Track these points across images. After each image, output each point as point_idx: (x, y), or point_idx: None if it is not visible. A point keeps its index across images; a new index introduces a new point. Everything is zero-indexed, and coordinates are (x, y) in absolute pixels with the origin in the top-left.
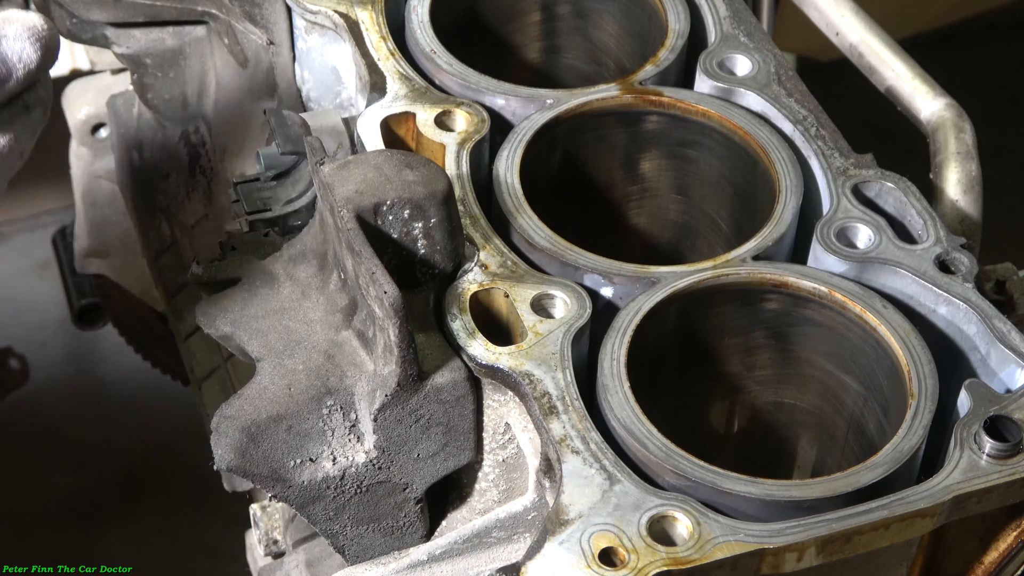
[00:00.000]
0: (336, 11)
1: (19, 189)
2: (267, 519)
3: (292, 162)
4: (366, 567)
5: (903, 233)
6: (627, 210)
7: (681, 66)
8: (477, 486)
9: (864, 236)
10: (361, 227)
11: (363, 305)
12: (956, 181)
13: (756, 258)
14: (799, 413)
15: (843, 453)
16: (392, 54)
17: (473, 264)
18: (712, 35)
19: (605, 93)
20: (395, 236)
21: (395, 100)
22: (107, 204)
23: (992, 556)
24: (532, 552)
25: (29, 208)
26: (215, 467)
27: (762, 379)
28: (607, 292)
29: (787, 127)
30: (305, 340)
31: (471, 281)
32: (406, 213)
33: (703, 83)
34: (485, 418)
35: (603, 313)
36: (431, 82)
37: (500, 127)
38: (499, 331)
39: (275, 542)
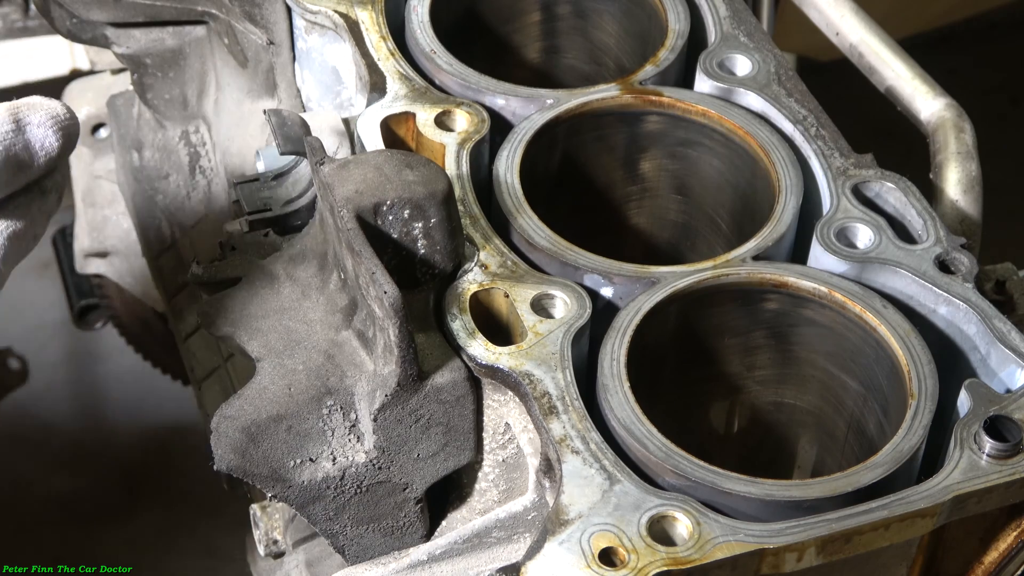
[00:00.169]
0: (336, 11)
1: None
2: (267, 519)
3: (292, 162)
4: (366, 567)
5: (903, 233)
6: (627, 210)
7: (681, 66)
8: (477, 486)
9: (864, 236)
10: (361, 227)
11: (363, 305)
12: (956, 181)
13: (756, 258)
14: (799, 413)
15: (843, 453)
16: (392, 54)
17: (473, 264)
18: (712, 35)
19: (605, 93)
20: (395, 236)
21: (395, 100)
22: (107, 204)
23: (992, 556)
24: (532, 552)
25: None
26: (215, 467)
27: (762, 379)
28: (607, 292)
29: (787, 127)
30: (305, 340)
31: (471, 281)
32: (406, 213)
33: (703, 83)
34: (485, 418)
35: (603, 313)
36: (431, 82)
37: (500, 127)
38: (499, 331)
39: (275, 542)
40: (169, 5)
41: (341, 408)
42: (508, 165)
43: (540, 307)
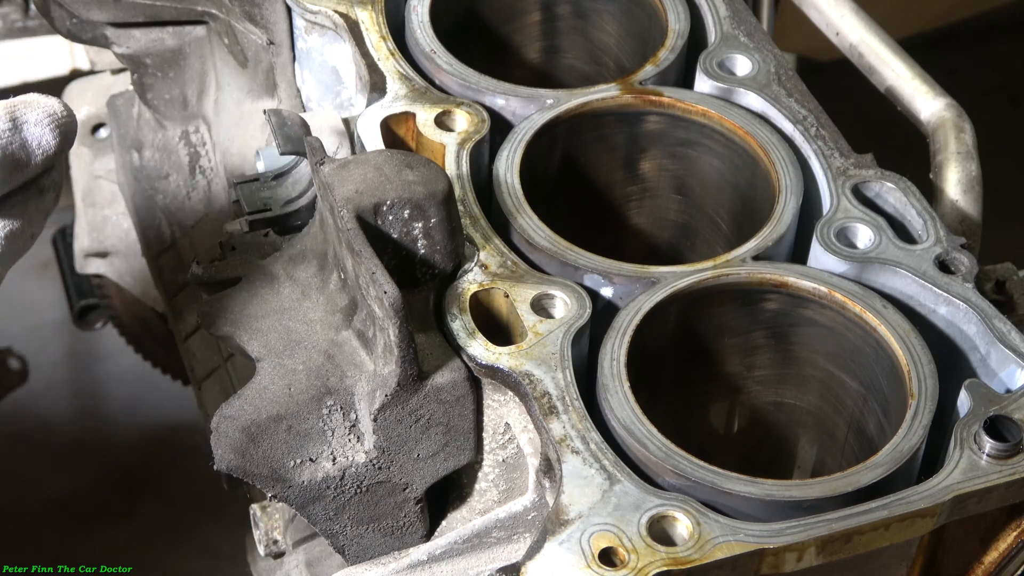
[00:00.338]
0: (336, 11)
1: None
2: (267, 519)
3: (292, 162)
4: (366, 567)
5: (903, 233)
6: (627, 210)
7: (681, 66)
8: (477, 486)
9: (864, 236)
10: (361, 227)
11: (363, 305)
12: (956, 181)
13: (756, 258)
14: (799, 413)
15: (843, 453)
16: (392, 54)
17: (473, 264)
18: (712, 35)
19: (605, 93)
20: (395, 236)
21: (395, 100)
22: (107, 204)
23: (992, 556)
24: (532, 552)
25: None
26: (215, 467)
27: (762, 379)
28: (607, 292)
29: (787, 127)
30: (305, 340)
31: (471, 281)
32: (406, 213)
33: (703, 83)
34: (485, 418)
35: (603, 313)
36: (431, 82)
37: (500, 127)
38: (499, 331)
39: (275, 542)
40: (169, 5)
41: (341, 408)
42: (508, 165)
43: (540, 307)
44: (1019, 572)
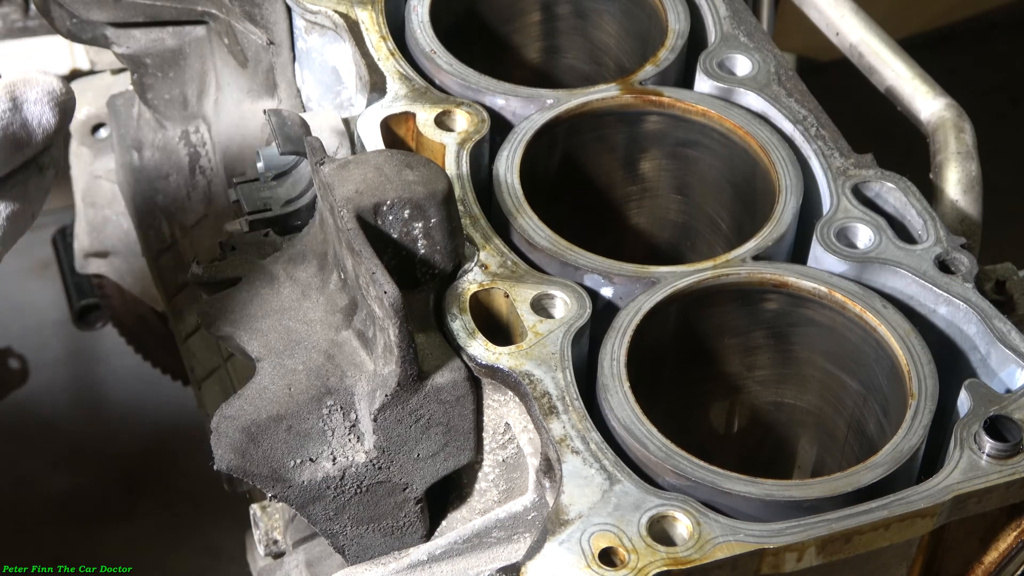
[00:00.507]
0: (336, 11)
1: None
2: (267, 519)
3: (292, 162)
4: (366, 567)
5: (903, 233)
6: (627, 210)
7: (681, 66)
8: (477, 486)
9: (864, 236)
10: (361, 227)
11: (363, 305)
12: (956, 181)
13: (756, 258)
14: (799, 413)
15: (843, 453)
16: (392, 54)
17: (473, 264)
18: (712, 35)
19: (605, 93)
20: (395, 236)
21: (395, 100)
22: (107, 204)
23: (992, 556)
24: (532, 552)
25: None
26: (215, 467)
27: (762, 379)
28: (607, 292)
29: (787, 127)
30: (305, 340)
31: (471, 281)
32: (406, 213)
33: (703, 83)
34: (485, 418)
35: (603, 313)
36: (431, 82)
37: (500, 127)
38: (499, 331)
39: (275, 542)
40: (169, 5)
41: (341, 408)
42: (508, 165)
43: (540, 307)
44: (1019, 572)
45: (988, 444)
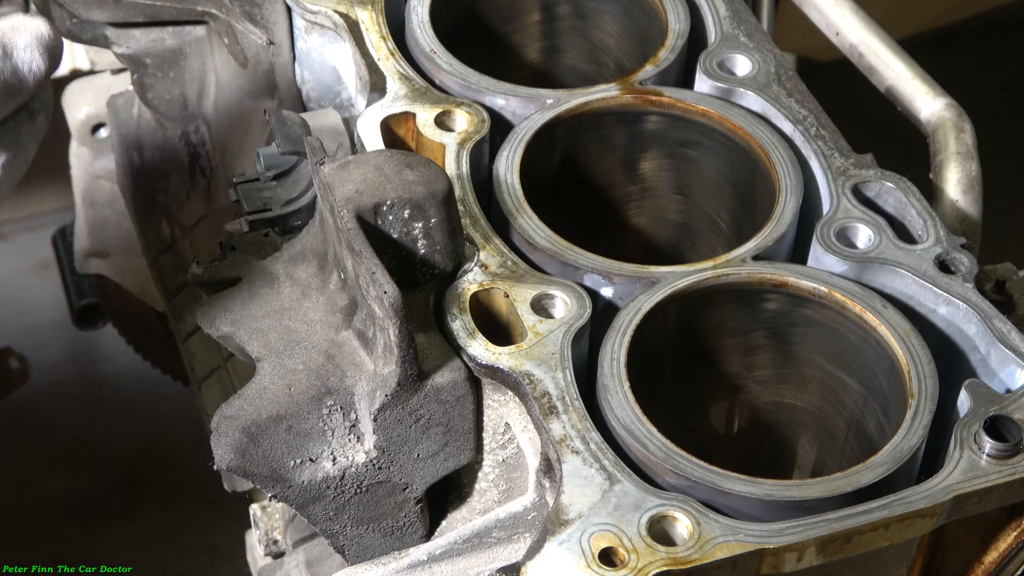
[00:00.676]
0: (336, 11)
1: (19, 189)
2: (267, 519)
3: (292, 162)
4: (366, 567)
5: (903, 233)
6: (627, 210)
7: (681, 66)
8: (477, 486)
9: (864, 236)
10: (361, 227)
11: (363, 305)
12: (956, 181)
13: (756, 258)
14: (799, 413)
15: (843, 453)
16: (392, 54)
17: (473, 264)
18: (712, 35)
19: (605, 93)
20: (395, 236)
21: (395, 100)
22: (107, 204)
23: (992, 556)
24: (532, 552)
25: (29, 208)
26: (215, 467)
27: (762, 379)
28: (607, 292)
29: (787, 127)
30: (305, 340)
31: (471, 281)
32: (406, 213)
33: (703, 83)
34: (485, 418)
35: (603, 313)
36: (431, 82)
37: (500, 127)
38: (499, 331)
39: (275, 542)
40: (169, 5)
41: (341, 408)
42: (508, 165)
43: (540, 307)
44: (1019, 572)
45: (988, 444)
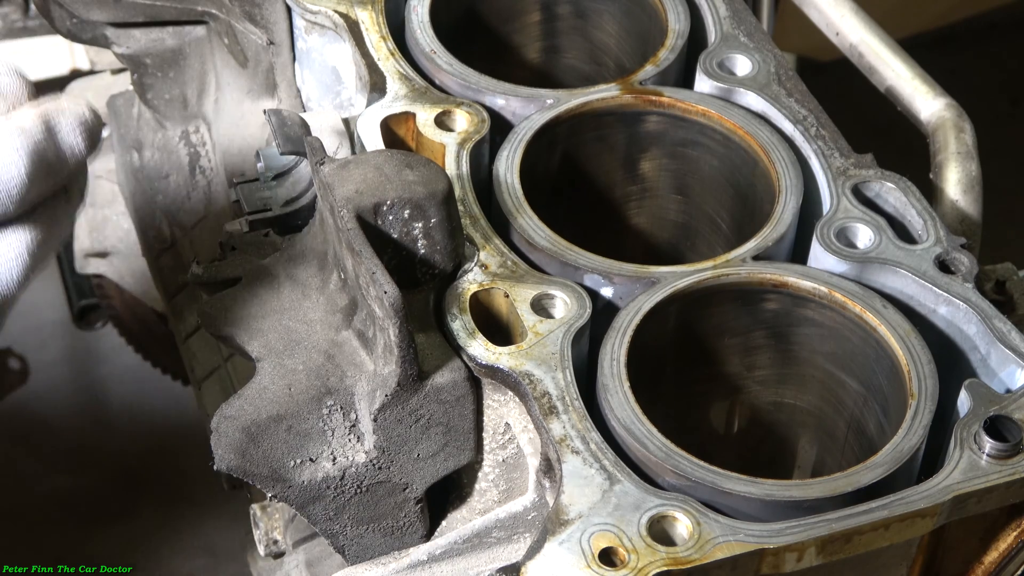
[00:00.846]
0: (336, 11)
1: None
2: (267, 519)
3: (292, 162)
4: (366, 567)
5: (903, 233)
6: (627, 210)
7: (681, 66)
8: (477, 486)
9: (864, 236)
10: (361, 227)
11: (363, 305)
12: (956, 181)
13: (756, 258)
14: (799, 413)
15: (843, 453)
16: (392, 54)
17: (473, 264)
18: (712, 35)
19: (605, 93)
20: (395, 236)
21: (395, 100)
22: (107, 204)
23: (992, 556)
24: (532, 552)
25: None
26: (215, 467)
27: (762, 379)
28: (607, 292)
29: (787, 127)
30: (305, 340)
31: (471, 281)
32: (406, 213)
33: (703, 83)
34: (485, 418)
35: (603, 313)
36: (431, 82)
37: (500, 127)
38: (499, 331)
39: (275, 542)
40: (169, 5)
41: (341, 408)
42: (508, 165)
43: (540, 307)
44: (1019, 572)
45: (988, 444)
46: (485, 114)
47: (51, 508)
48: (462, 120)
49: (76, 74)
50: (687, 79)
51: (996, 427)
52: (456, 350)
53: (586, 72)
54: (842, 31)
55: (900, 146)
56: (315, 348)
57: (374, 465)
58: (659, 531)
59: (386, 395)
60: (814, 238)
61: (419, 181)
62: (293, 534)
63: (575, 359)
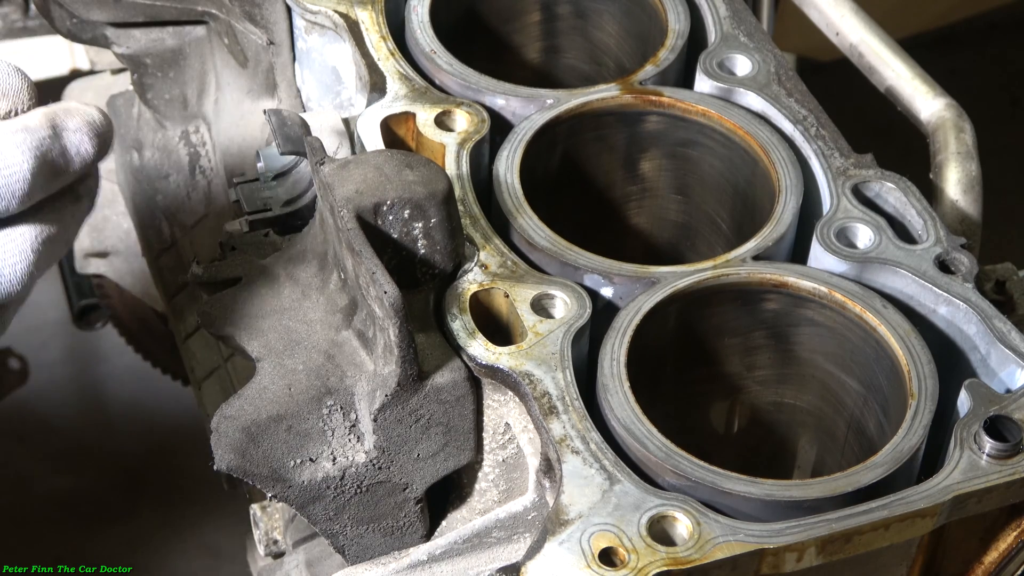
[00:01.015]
0: (336, 11)
1: None
2: (267, 519)
3: (292, 162)
4: (366, 567)
5: (903, 233)
6: (627, 210)
7: (681, 66)
8: (477, 486)
9: (864, 236)
10: (361, 227)
11: (363, 305)
12: (956, 181)
13: (756, 258)
14: (799, 413)
15: (843, 453)
16: (392, 54)
17: (473, 264)
18: (712, 35)
19: (605, 93)
20: (395, 236)
21: (395, 100)
22: (107, 204)
23: (992, 556)
24: (532, 552)
25: None
26: (215, 467)
27: (762, 379)
28: (607, 292)
29: (787, 127)
30: (305, 340)
31: (471, 281)
32: (406, 213)
33: (703, 83)
34: (485, 418)
35: (603, 313)
36: (431, 82)
37: (500, 127)
38: (499, 331)
39: (275, 542)
40: (169, 5)
41: (341, 408)
42: (508, 165)
43: (540, 307)
44: (1019, 572)
45: (988, 444)
46: (485, 114)
47: (51, 508)
48: (462, 120)
49: (76, 74)
50: (687, 79)
51: (996, 427)
52: (456, 350)
53: (586, 72)
54: (842, 31)
55: (900, 146)
56: (315, 348)
57: (374, 465)
58: (659, 531)
59: (386, 395)
60: (814, 238)
61: (419, 181)
62: (293, 534)
63: (575, 359)
